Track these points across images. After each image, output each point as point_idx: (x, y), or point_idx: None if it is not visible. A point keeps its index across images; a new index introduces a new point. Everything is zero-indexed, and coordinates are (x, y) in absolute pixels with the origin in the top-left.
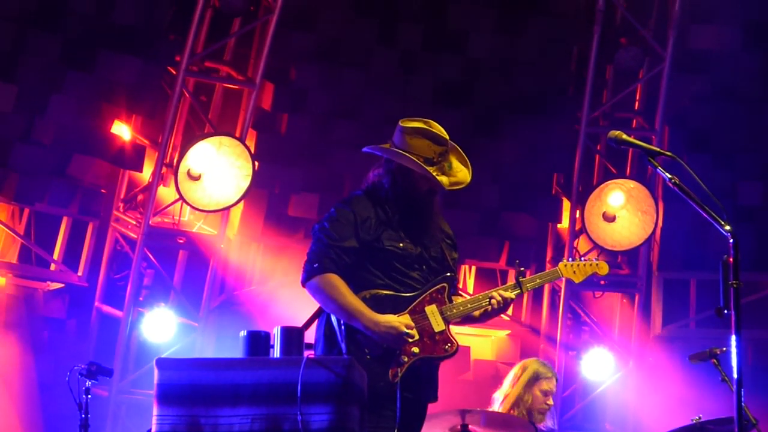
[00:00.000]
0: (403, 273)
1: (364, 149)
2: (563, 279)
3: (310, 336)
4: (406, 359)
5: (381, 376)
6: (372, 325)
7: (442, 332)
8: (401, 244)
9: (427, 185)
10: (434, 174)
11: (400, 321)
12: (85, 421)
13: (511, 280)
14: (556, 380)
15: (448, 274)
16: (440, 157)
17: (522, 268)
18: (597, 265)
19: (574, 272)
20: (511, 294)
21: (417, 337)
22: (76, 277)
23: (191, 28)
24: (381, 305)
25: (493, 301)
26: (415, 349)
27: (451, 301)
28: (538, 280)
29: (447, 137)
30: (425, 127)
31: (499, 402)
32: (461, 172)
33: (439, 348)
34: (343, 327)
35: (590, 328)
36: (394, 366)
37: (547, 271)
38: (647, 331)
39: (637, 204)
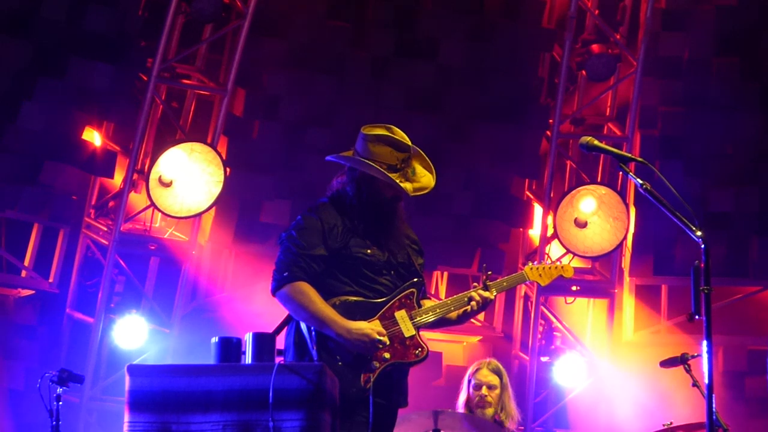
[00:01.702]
0: (372, 279)
1: (328, 158)
2: (535, 284)
3: (280, 342)
4: (377, 365)
5: (353, 382)
6: (344, 333)
7: (412, 337)
8: (369, 251)
9: (391, 192)
10: (398, 181)
11: (372, 327)
12: (56, 428)
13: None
14: (492, 369)
15: (416, 279)
16: (403, 163)
17: (489, 272)
18: (562, 268)
19: (540, 275)
20: (491, 294)
21: (388, 342)
22: (47, 283)
23: (162, 35)
24: (350, 312)
25: (473, 302)
26: (387, 355)
27: (420, 306)
28: (504, 284)
29: (409, 143)
30: (387, 134)
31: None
32: (425, 177)
33: (409, 353)
34: (313, 334)
35: (562, 333)
36: (366, 372)
37: (513, 274)
38: (619, 337)
39: (609, 210)
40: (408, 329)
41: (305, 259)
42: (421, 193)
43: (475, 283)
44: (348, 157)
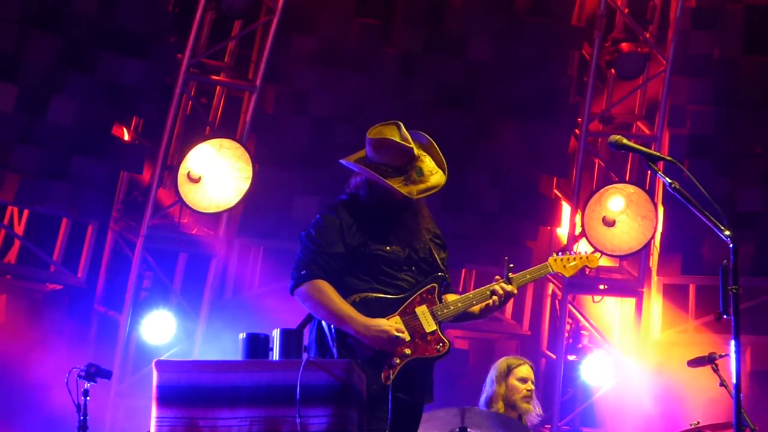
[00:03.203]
0: (392, 276)
1: (341, 161)
2: (563, 282)
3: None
4: (398, 361)
5: (374, 379)
6: (363, 330)
7: (433, 332)
8: (388, 248)
9: (401, 194)
10: (400, 185)
11: (391, 324)
12: (83, 423)
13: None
14: (530, 366)
15: (439, 273)
16: (408, 165)
17: (511, 265)
18: (587, 258)
19: (565, 266)
20: (513, 288)
21: (408, 338)
22: (75, 278)
23: (192, 30)
24: (371, 308)
25: (494, 296)
26: (407, 351)
27: (441, 300)
28: (528, 276)
29: (412, 145)
30: (390, 137)
31: (482, 406)
32: (434, 176)
33: (431, 348)
34: (333, 331)
35: (589, 332)
36: (386, 368)
37: (537, 266)
38: (646, 336)
39: (637, 209)
40: (429, 324)
41: (324, 257)
42: (429, 193)
43: (497, 276)
44: (355, 164)
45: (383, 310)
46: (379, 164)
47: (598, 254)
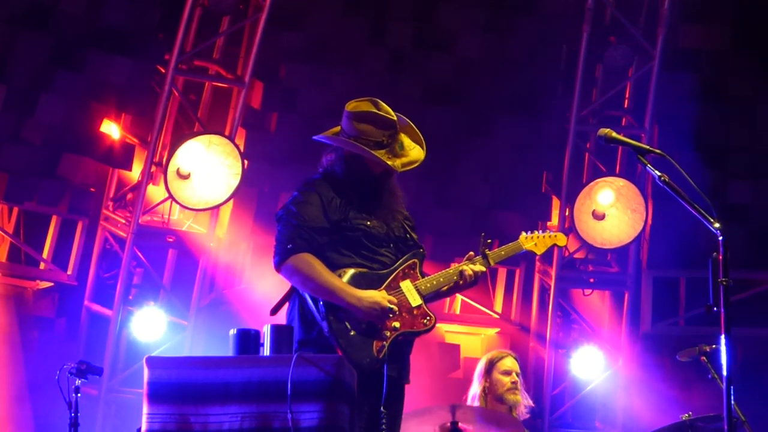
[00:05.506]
0: (373, 251)
1: (315, 137)
2: (552, 276)
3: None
4: (388, 334)
5: (366, 352)
6: (355, 301)
7: (419, 306)
8: (369, 222)
9: (380, 169)
10: (385, 158)
11: (383, 296)
12: (74, 420)
13: (501, 276)
14: (514, 357)
15: (420, 249)
16: (390, 138)
17: (489, 241)
18: (555, 236)
19: (535, 244)
20: (481, 267)
21: (398, 311)
22: (65, 275)
23: (180, 27)
24: (356, 283)
25: (465, 274)
26: (396, 324)
27: (423, 276)
28: (502, 253)
29: (394, 117)
30: (372, 110)
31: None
32: (414, 151)
33: (417, 322)
34: (321, 306)
35: (580, 326)
36: (379, 340)
37: (509, 244)
38: (637, 329)
39: (627, 202)
40: (414, 299)
41: (308, 230)
42: (411, 167)
43: (471, 252)
44: (334, 138)
45: (368, 284)
46: (358, 138)
47: (588, 257)
